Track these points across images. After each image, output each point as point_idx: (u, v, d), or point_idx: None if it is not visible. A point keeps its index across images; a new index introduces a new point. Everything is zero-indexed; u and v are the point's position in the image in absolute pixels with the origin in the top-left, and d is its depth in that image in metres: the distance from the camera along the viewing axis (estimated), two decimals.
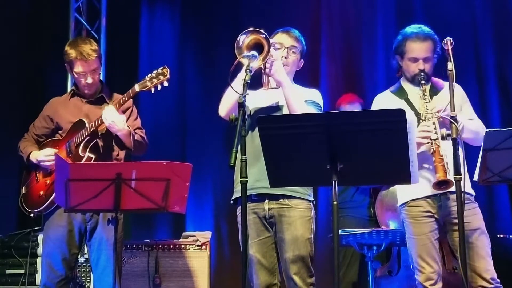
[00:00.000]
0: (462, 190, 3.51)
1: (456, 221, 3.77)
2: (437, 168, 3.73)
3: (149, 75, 4.20)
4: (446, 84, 4.14)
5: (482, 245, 3.90)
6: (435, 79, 4.18)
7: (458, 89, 4.09)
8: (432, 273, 3.93)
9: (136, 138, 4.29)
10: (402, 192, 4.10)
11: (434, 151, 3.77)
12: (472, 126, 3.98)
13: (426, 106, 3.94)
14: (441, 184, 3.72)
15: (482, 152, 3.38)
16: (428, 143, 3.81)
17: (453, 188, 3.63)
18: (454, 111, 3.63)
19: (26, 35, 6.44)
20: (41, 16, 6.57)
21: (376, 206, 5.26)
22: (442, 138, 3.66)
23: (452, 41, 3.88)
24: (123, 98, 4.22)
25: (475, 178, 3.61)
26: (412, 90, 4.12)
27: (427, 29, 4.13)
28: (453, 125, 3.57)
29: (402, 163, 3.05)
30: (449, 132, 3.60)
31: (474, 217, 3.94)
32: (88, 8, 6.75)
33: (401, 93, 4.16)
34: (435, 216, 3.96)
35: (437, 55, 4.13)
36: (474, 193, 4.03)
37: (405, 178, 3.11)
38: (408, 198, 4.03)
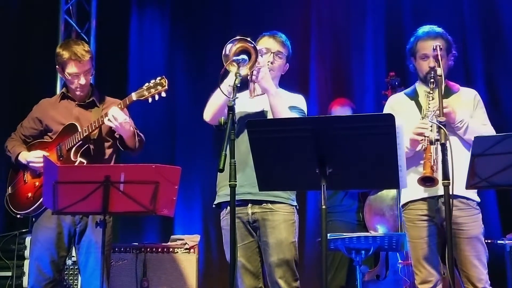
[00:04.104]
0: (451, 193, 3.50)
1: (456, 227, 3.78)
2: (424, 164, 3.71)
3: (147, 84, 4.18)
4: (463, 89, 4.18)
5: (477, 254, 3.89)
6: (451, 82, 4.17)
7: (469, 94, 4.13)
8: (428, 276, 3.93)
9: (138, 139, 4.30)
10: (402, 194, 4.11)
11: (425, 148, 3.76)
12: (480, 129, 3.95)
13: (429, 104, 3.93)
14: (426, 180, 3.69)
15: (470, 157, 3.39)
16: (422, 140, 3.80)
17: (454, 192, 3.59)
18: (442, 116, 3.64)
19: (16, 36, 6.42)
20: (30, 17, 6.55)
21: (364, 211, 5.28)
22: (431, 143, 3.66)
23: (441, 46, 3.91)
24: (119, 106, 4.20)
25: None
26: (424, 91, 4.10)
27: (438, 29, 4.14)
28: (442, 130, 3.58)
29: (391, 167, 3.06)
30: (438, 137, 3.61)
31: (473, 224, 3.93)
32: (78, 10, 6.74)
33: (413, 94, 4.17)
34: (434, 220, 3.95)
35: (453, 57, 4.14)
36: (478, 199, 3.99)
37: (394, 182, 3.12)
38: (407, 199, 4.03)
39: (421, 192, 3.90)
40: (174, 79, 6.69)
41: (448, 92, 4.09)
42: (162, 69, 6.68)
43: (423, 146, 3.78)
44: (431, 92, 3.96)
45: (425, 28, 4.16)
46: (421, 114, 3.98)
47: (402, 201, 4.10)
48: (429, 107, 3.92)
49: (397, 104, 4.18)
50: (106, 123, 4.14)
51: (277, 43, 4.04)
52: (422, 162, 3.80)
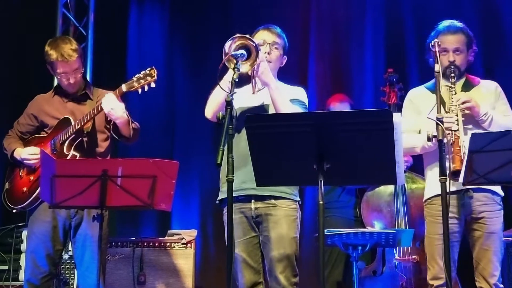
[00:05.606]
0: (448, 191, 3.53)
1: (479, 221, 3.81)
2: (454, 158, 3.74)
3: (136, 75, 4.18)
4: (483, 82, 4.20)
5: (495, 250, 3.93)
6: (471, 76, 4.19)
7: (490, 87, 4.15)
8: (440, 273, 3.93)
9: (133, 126, 4.29)
10: (426, 189, 4.12)
11: (454, 141, 3.78)
12: (503, 121, 3.98)
13: (452, 98, 3.95)
14: (456, 174, 3.69)
15: (467, 154, 3.40)
16: (449, 134, 3.81)
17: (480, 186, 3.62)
18: (440, 112, 3.65)
19: (14, 30, 6.39)
20: (28, 11, 6.52)
21: (361, 207, 5.27)
22: (428, 139, 3.67)
23: (439, 43, 3.91)
24: None
25: (460, 179, 3.61)
26: (445, 86, 4.11)
27: (459, 24, 4.18)
28: (440, 126, 3.58)
29: (388, 163, 3.06)
30: (435, 134, 3.61)
31: (495, 220, 3.96)
32: (76, 4, 6.72)
33: (434, 88, 4.11)
34: (456, 216, 3.95)
35: (474, 52, 4.17)
36: (502, 194, 4.01)
37: (391, 178, 3.12)
38: (431, 194, 4.03)
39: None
40: (173, 73, 6.70)
41: (469, 86, 4.13)
42: (161, 64, 6.66)
43: (452, 140, 3.80)
44: (453, 86, 3.99)
45: (446, 23, 4.19)
46: (444, 108, 3.98)
47: (426, 196, 4.11)
48: (452, 101, 3.94)
49: (417, 98, 4.21)
50: (102, 106, 4.14)
51: (272, 34, 4.04)
52: (448, 156, 3.80)
